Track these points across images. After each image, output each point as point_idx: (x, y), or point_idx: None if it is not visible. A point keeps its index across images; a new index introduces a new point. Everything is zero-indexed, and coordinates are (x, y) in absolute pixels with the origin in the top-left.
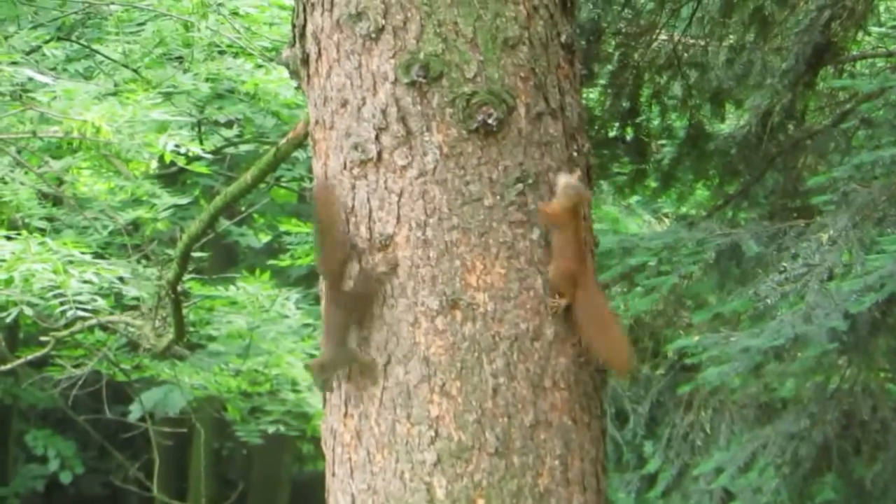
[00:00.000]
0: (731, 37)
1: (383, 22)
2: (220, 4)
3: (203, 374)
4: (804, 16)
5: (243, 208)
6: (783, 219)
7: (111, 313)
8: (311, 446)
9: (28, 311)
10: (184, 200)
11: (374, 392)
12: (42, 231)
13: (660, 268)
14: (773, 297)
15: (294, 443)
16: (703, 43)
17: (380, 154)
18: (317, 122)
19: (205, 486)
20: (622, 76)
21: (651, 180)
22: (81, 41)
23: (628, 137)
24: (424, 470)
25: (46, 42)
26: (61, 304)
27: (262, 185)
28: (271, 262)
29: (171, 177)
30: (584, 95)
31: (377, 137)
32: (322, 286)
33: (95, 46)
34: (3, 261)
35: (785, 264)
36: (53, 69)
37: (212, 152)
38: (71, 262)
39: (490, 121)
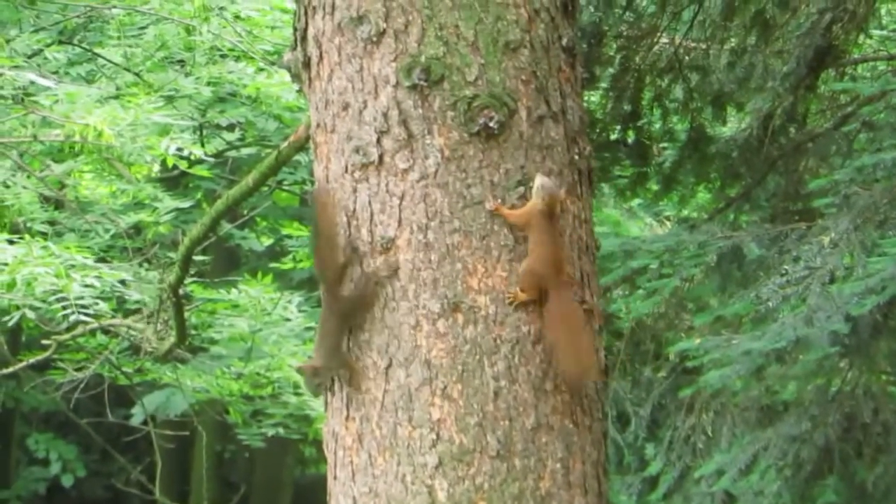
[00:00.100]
0: (733, 40)
1: (384, 25)
2: (221, 8)
3: (205, 377)
4: (805, 19)
5: (245, 212)
6: (784, 222)
7: (113, 317)
8: (313, 449)
9: (31, 315)
10: (186, 204)
11: (375, 395)
12: (44, 235)
13: (661, 270)
14: (774, 300)
15: (296, 446)
16: (704, 46)
17: (381, 157)
18: (318, 126)
19: (207, 489)
20: (623, 79)
21: (652, 183)
22: (83, 45)
23: (630, 140)
24: (426, 473)
25: (48, 46)
26: (63, 307)
27: (264, 189)
28: (273, 265)
29: (173, 180)
30: (586, 98)
31: (378, 141)
32: (321, 290)
33: (97, 50)
34: (6, 264)
35: (786, 267)
36: (55, 73)
37: (214, 156)
38: (73, 267)
39: (491, 124)
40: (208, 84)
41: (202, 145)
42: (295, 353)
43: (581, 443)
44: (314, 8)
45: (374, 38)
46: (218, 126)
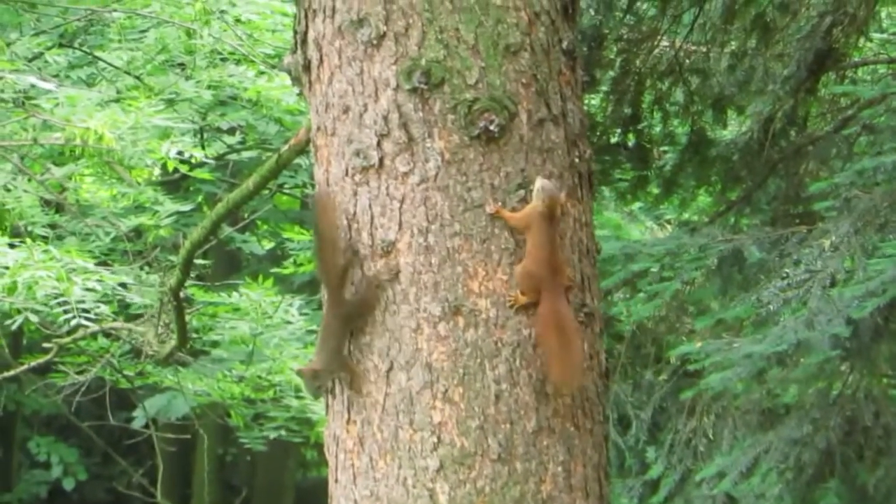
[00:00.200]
0: (733, 43)
1: (385, 28)
2: (222, 11)
3: (206, 380)
4: (806, 22)
5: (246, 215)
6: (785, 225)
7: (114, 320)
8: (314, 452)
9: (33, 318)
10: (186, 207)
11: (376, 398)
12: (45, 238)
13: (662, 274)
14: (775, 303)
15: (298, 449)
16: (704, 49)
17: (381, 160)
18: (318, 129)
19: (208, 493)
20: (624, 82)
21: (653, 186)
22: (84, 48)
23: (630, 144)
24: (427, 476)
25: (49, 49)
26: (65, 311)
27: (265, 192)
28: (274, 269)
29: (174, 183)
30: (586, 102)
31: (379, 144)
32: (323, 293)
33: (98, 53)
34: (7, 268)
35: (787, 270)
36: (56, 76)
37: (214, 159)
38: (73, 270)
39: (492, 127)
40: (209, 87)
41: (203, 149)
42: (296, 357)
43: (582, 446)
44: (314, 11)
45: (375, 41)
46: (219, 129)
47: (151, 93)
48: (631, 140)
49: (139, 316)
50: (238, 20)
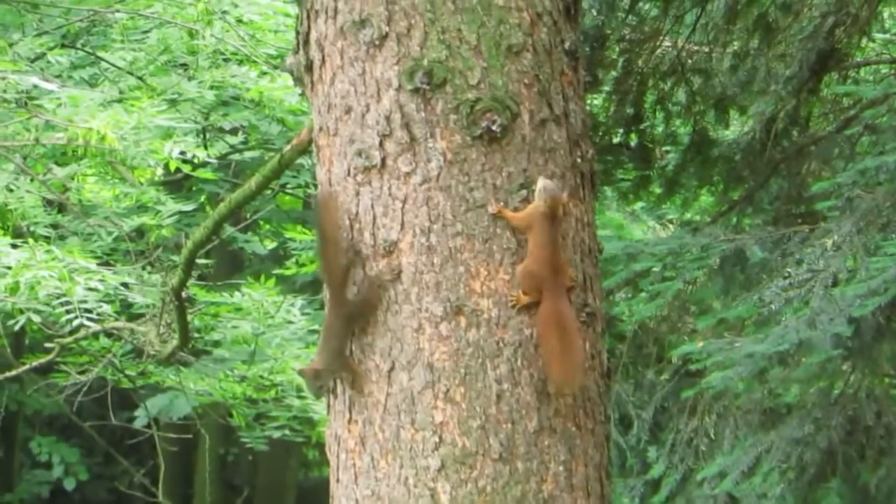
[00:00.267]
0: (735, 43)
1: (387, 29)
2: (224, 12)
3: (208, 380)
4: (808, 22)
5: (248, 215)
6: (787, 224)
7: (116, 319)
8: (316, 452)
9: (35, 318)
10: (189, 207)
11: (378, 398)
12: (47, 239)
13: (664, 273)
14: (777, 303)
15: (299, 449)
16: (707, 49)
17: (384, 160)
18: (321, 129)
19: (210, 492)
20: (626, 82)
21: (655, 186)
22: (86, 48)
23: (632, 144)
24: (428, 476)
25: (51, 49)
26: (67, 311)
27: (268, 192)
28: (277, 270)
29: (177, 183)
30: (588, 102)
31: (381, 144)
32: (325, 293)
33: (100, 54)
34: (9, 268)
35: (789, 270)
36: (58, 76)
37: (217, 159)
38: (75, 270)
39: (494, 127)
40: (211, 88)
41: (205, 149)
42: (298, 357)
43: (584, 446)
44: (317, 12)
45: (377, 42)
46: (221, 129)
47: (154, 93)
48: (633, 140)
49: (141, 315)
50: (240, 21)
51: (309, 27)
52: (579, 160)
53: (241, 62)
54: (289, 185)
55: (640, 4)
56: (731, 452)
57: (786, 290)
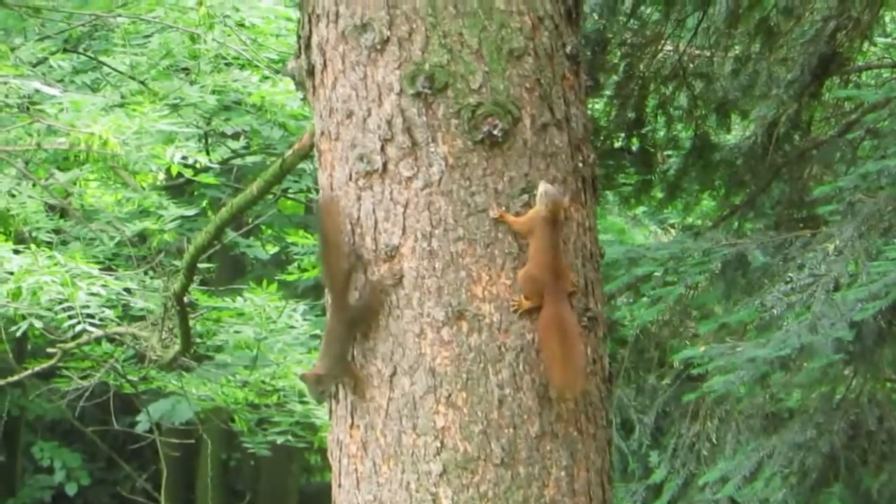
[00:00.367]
0: (737, 47)
1: (388, 33)
2: (226, 16)
3: (210, 385)
4: (810, 26)
5: (250, 220)
6: (789, 229)
7: (118, 324)
8: (318, 457)
9: (37, 324)
10: (191, 212)
11: (380, 403)
12: (49, 244)
13: (666, 278)
14: (779, 308)
15: (302, 454)
16: (708, 53)
17: (385, 165)
18: (322, 134)
19: (212, 497)
20: (628, 87)
21: (657, 191)
22: (88, 53)
23: (634, 148)
24: (430, 481)
25: (53, 54)
26: (69, 316)
27: (269, 197)
28: (279, 276)
29: (179, 188)
30: (590, 106)
31: (383, 148)
32: (327, 298)
33: (102, 58)
34: (11, 274)
35: (791, 274)
36: (60, 81)
37: (219, 164)
38: (78, 275)
39: (495, 132)
40: (213, 92)
41: (207, 153)
42: (300, 362)
43: (585, 450)
44: (318, 16)
45: (378, 46)
46: (223, 134)
47: (156, 98)
48: (635, 144)
49: (141, 318)
50: (242, 25)
51: (310, 31)
52: (581, 164)
53: (242, 66)
54: (290, 190)
55: (642, 8)
56: (732, 457)
57: (787, 294)
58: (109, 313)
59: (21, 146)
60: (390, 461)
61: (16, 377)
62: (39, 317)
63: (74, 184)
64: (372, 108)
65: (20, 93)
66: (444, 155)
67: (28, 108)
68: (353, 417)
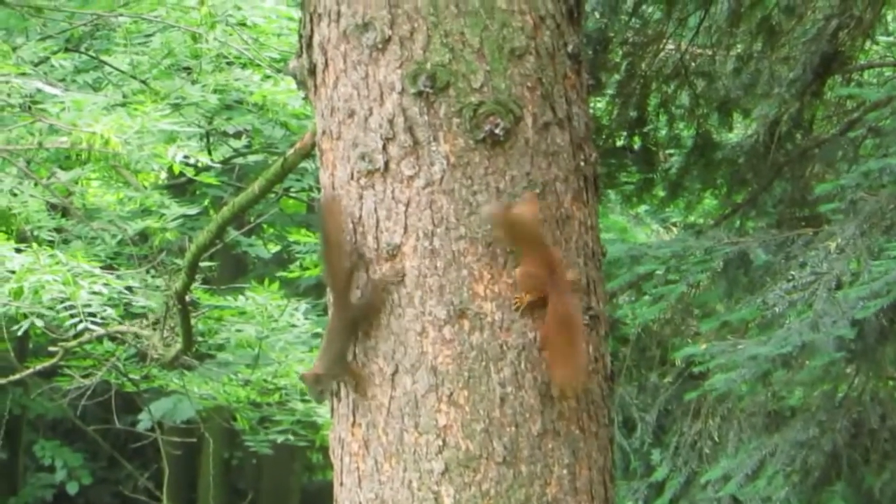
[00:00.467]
0: (739, 46)
1: (390, 32)
2: (228, 15)
3: (212, 384)
4: (811, 25)
5: (252, 219)
6: (791, 227)
7: (120, 323)
8: (320, 456)
9: (39, 322)
10: (192, 211)
11: (381, 401)
12: (51, 243)
13: (668, 276)
14: (780, 306)
15: (303, 452)
16: (710, 52)
17: (387, 164)
18: (324, 133)
19: (214, 496)
20: (629, 85)
21: (659, 189)
22: (90, 52)
23: (636, 147)
24: (432, 479)
25: (55, 53)
26: (71, 315)
27: (271, 196)
28: (280, 273)
29: (180, 187)
30: (592, 105)
31: (384, 147)
32: (329, 297)
33: (104, 58)
34: (13, 273)
35: (793, 273)
36: (62, 80)
37: (220, 163)
38: (79, 274)
39: (497, 131)
40: (215, 91)
41: (209, 153)
42: (302, 360)
43: (587, 449)
44: (319, 15)
45: (380, 45)
46: (224, 133)
47: (157, 97)
48: (636, 143)
49: (142, 317)
50: (244, 24)
51: (312, 31)
52: (582, 163)
53: (244, 66)
54: (292, 189)
55: (644, 7)
56: (735, 455)
57: (789, 292)
58: (111, 312)
59: (23, 145)
60: (392, 459)
61: (17, 376)
62: (41, 315)
63: (76, 183)
64: (373, 107)
65: (22, 92)
66: (445, 154)
67: (30, 108)
68: (354, 416)
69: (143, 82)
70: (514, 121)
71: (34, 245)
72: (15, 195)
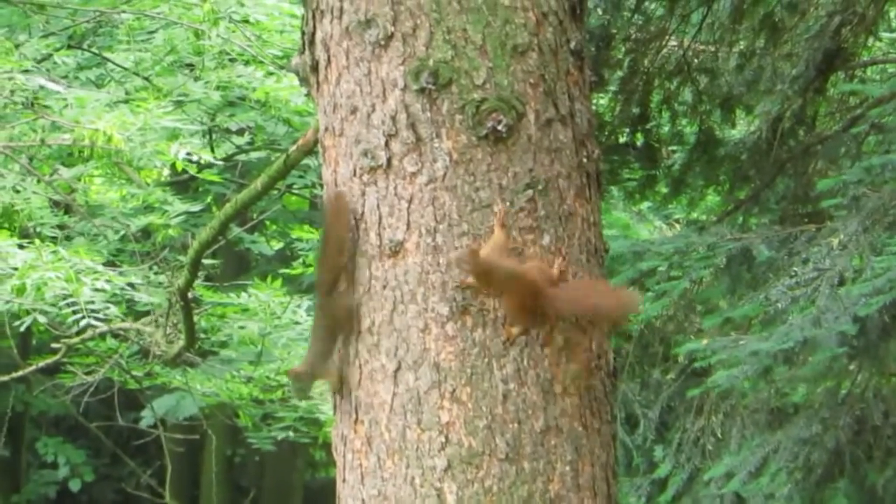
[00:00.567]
0: (742, 43)
1: (392, 29)
2: (231, 12)
3: (215, 381)
4: (814, 22)
5: (255, 215)
6: (794, 223)
7: (123, 320)
8: (322, 453)
9: (41, 319)
10: (195, 207)
11: (384, 398)
12: (53, 239)
13: (670, 273)
14: (783, 302)
15: (306, 449)
16: (713, 49)
17: (389, 161)
18: (326, 129)
19: (217, 493)
20: (632, 82)
21: (662, 186)
22: (93, 49)
23: (639, 143)
24: (435, 476)
25: (57, 50)
26: (74, 312)
27: (274, 192)
28: (283, 270)
29: (183, 184)
30: (594, 101)
31: (387, 144)
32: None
33: (107, 55)
34: (16, 269)
35: (795, 269)
36: (65, 77)
37: (223, 160)
38: (82, 271)
39: (499, 127)
40: (217, 88)
41: (211, 149)
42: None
43: (590, 445)
44: (322, 12)
45: (382, 42)
46: (227, 130)
47: (160, 94)
48: (639, 139)
49: (145, 314)
50: (246, 21)
51: (314, 27)
52: (585, 160)
53: (247, 63)
54: (295, 186)
55: (646, 4)
56: (738, 452)
57: (792, 288)
58: (114, 309)
59: (25, 142)
60: (395, 456)
61: (20, 373)
62: (44, 312)
63: (79, 180)
64: (376, 103)
65: (25, 89)
66: (448, 150)
67: (32, 105)
68: (357, 413)
69: (146, 79)
70: (517, 117)
71: (37, 242)
72: (18, 192)
